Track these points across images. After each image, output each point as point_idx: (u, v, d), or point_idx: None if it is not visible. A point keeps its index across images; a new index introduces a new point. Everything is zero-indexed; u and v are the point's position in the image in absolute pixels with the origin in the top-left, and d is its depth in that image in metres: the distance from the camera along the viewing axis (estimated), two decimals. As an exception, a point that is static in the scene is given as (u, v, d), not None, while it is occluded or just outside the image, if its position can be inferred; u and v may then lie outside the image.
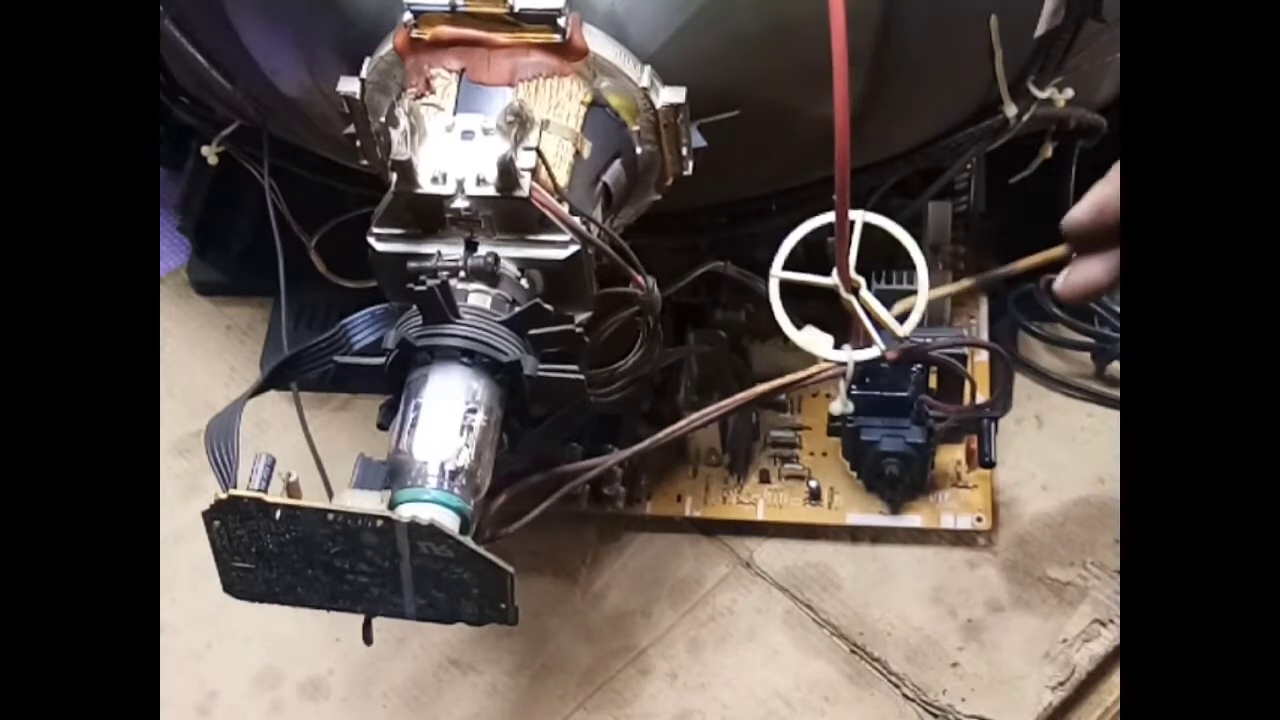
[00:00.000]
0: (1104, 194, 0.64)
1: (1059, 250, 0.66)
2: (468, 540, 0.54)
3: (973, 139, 0.70)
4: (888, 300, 0.65)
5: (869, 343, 0.65)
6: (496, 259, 0.57)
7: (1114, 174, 0.63)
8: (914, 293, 0.65)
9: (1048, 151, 0.74)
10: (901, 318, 0.64)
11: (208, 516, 0.54)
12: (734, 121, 0.62)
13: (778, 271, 0.65)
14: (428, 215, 0.58)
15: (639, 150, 0.61)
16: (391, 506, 0.54)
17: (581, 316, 0.59)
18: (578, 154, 0.59)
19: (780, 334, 0.65)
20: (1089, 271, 0.64)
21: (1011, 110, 0.69)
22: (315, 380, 0.63)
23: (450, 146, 0.58)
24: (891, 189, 0.72)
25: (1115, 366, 0.78)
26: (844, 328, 0.65)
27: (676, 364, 0.74)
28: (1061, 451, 0.76)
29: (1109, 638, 0.70)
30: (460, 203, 0.57)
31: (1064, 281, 0.65)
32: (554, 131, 0.58)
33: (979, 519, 0.73)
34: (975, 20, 0.65)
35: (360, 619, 0.58)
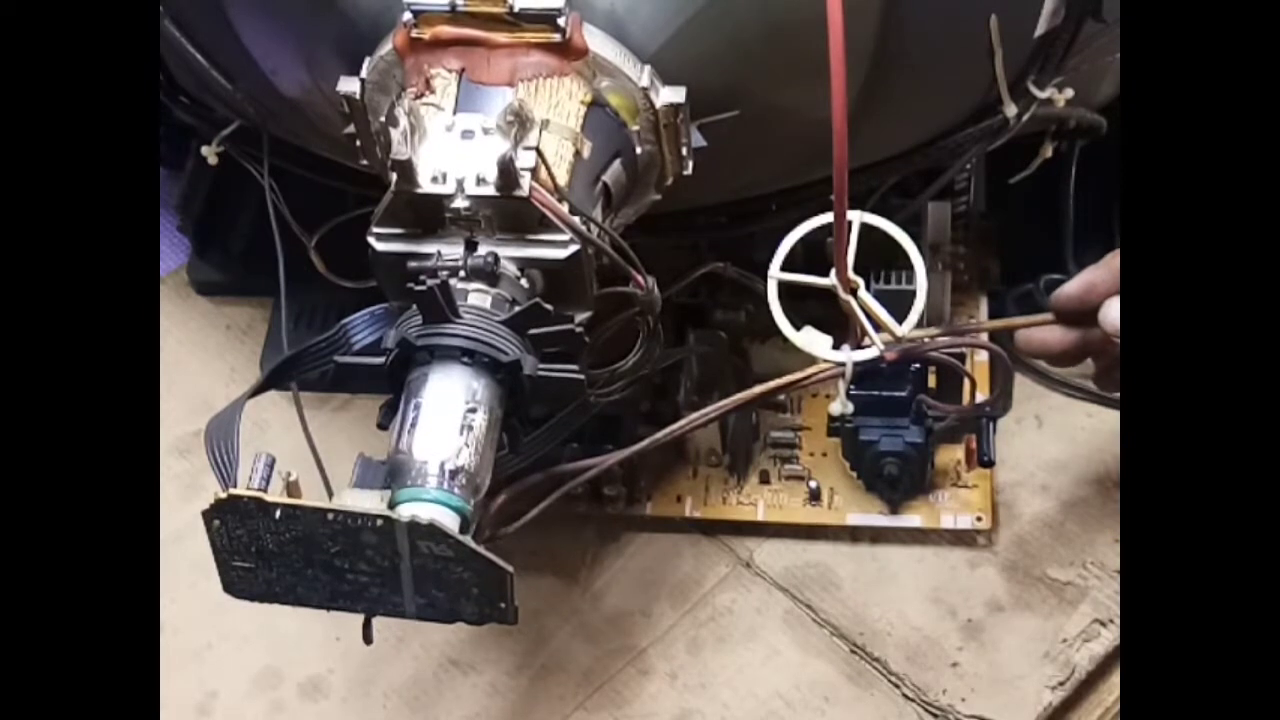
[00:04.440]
0: (1093, 278, 0.67)
1: (1043, 318, 0.70)
2: (467, 540, 0.54)
3: (973, 139, 0.70)
4: (886, 300, 0.65)
5: (868, 343, 0.65)
6: (496, 259, 0.57)
7: (1106, 261, 0.67)
8: (913, 293, 0.65)
9: (1048, 151, 0.74)
10: (900, 318, 0.64)
11: (207, 516, 0.54)
12: (734, 121, 0.62)
13: (776, 272, 0.65)
14: (428, 215, 0.58)
15: (639, 150, 0.61)
16: (391, 506, 0.54)
17: (581, 316, 0.59)
18: (578, 154, 0.59)
19: (780, 334, 0.65)
20: (1048, 336, 0.70)
21: (1011, 110, 0.69)
22: (315, 380, 0.63)
23: (450, 146, 0.58)
24: (891, 189, 0.72)
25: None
26: (843, 328, 0.65)
27: (676, 364, 0.74)
28: (1061, 451, 0.76)
29: (1109, 638, 0.70)
30: (460, 202, 0.57)
31: (1023, 336, 0.71)
32: (554, 131, 0.58)
33: (979, 519, 0.73)
34: (975, 20, 0.65)
35: (360, 618, 0.58)
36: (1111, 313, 0.66)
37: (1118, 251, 0.67)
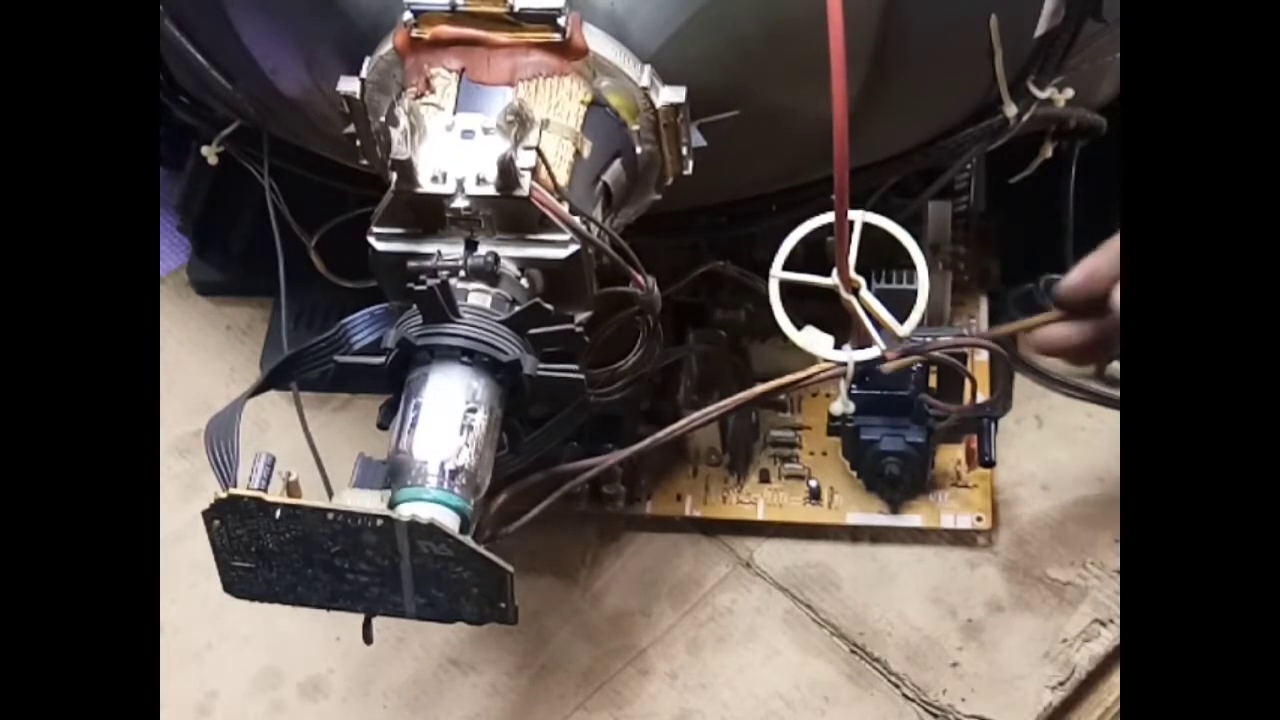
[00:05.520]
0: (1095, 264, 0.67)
1: (1051, 315, 0.70)
2: (467, 539, 0.54)
3: (973, 139, 0.70)
4: (887, 300, 0.65)
5: (869, 343, 0.65)
6: (496, 258, 0.57)
7: (1106, 246, 0.66)
8: (914, 292, 0.65)
9: (1048, 151, 0.74)
10: (901, 317, 0.64)
11: (208, 516, 0.54)
12: (734, 121, 0.62)
13: (778, 272, 0.65)
14: (428, 215, 0.58)
15: (639, 150, 0.61)
16: (391, 506, 0.54)
17: (581, 316, 0.59)
18: (578, 153, 0.59)
19: (780, 334, 0.65)
20: (1064, 332, 0.69)
21: (1011, 110, 0.69)
22: (315, 380, 0.63)
23: (450, 146, 0.58)
24: (891, 189, 0.72)
25: (1115, 366, 0.78)
26: (844, 327, 0.65)
27: (676, 364, 0.74)
28: (1061, 451, 0.76)
29: (1109, 638, 0.70)
30: (460, 202, 0.57)
31: (1039, 336, 0.70)
32: (554, 131, 0.58)
33: (979, 519, 0.73)
34: (975, 20, 0.65)
35: (360, 618, 0.58)
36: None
37: (1117, 236, 0.67)
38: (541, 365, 0.57)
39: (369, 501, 0.54)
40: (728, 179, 0.68)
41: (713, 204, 0.72)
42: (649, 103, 0.60)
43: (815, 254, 0.66)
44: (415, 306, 0.56)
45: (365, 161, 0.62)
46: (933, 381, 0.71)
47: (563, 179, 0.58)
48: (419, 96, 0.59)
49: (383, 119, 0.59)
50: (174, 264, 0.88)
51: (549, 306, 0.57)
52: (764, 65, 0.62)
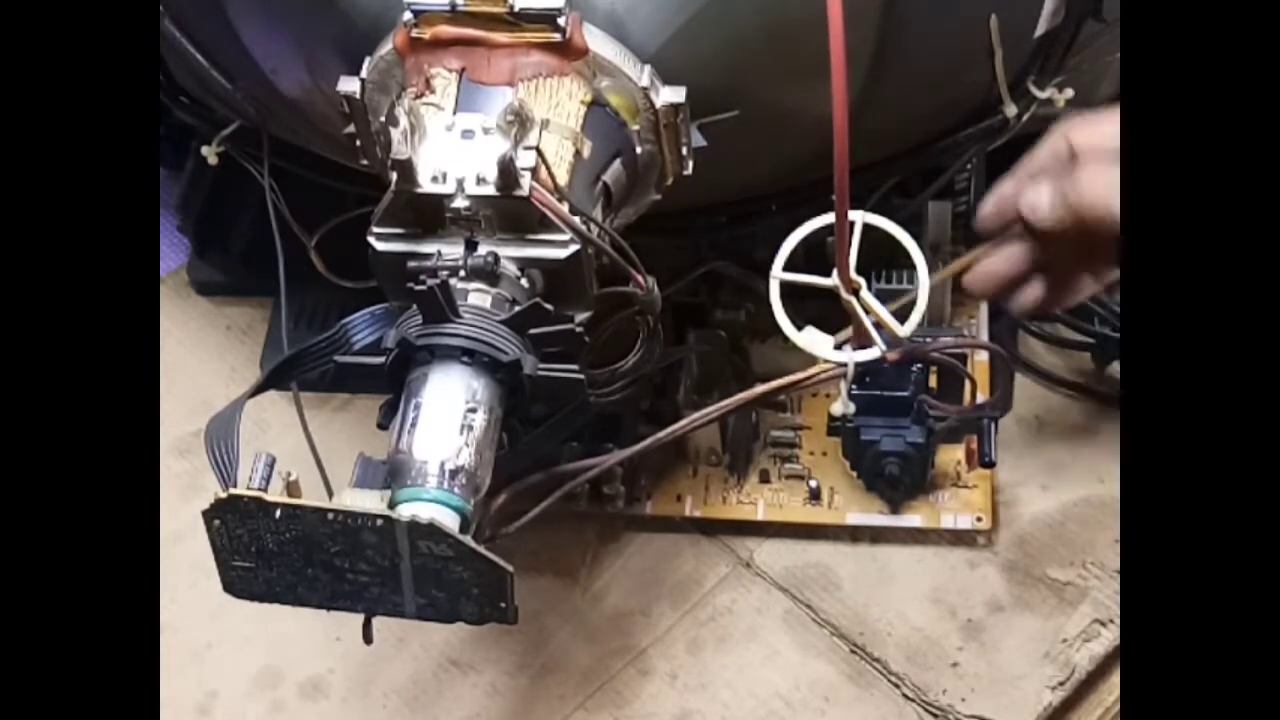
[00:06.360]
0: (1003, 189, 0.67)
1: (978, 250, 0.69)
2: (467, 539, 0.54)
3: (973, 139, 0.70)
4: (888, 300, 0.65)
5: (869, 343, 0.65)
6: (496, 258, 0.57)
7: (1014, 170, 0.66)
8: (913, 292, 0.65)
9: (1048, 152, 0.73)
10: (901, 318, 0.64)
11: (208, 516, 0.54)
12: (734, 121, 0.62)
13: (778, 272, 0.65)
14: (428, 215, 0.58)
15: (639, 150, 0.61)
16: (391, 506, 0.54)
17: (581, 316, 0.59)
18: (578, 153, 0.59)
19: (780, 334, 0.65)
20: (991, 265, 0.68)
21: (1011, 110, 0.69)
22: (315, 380, 0.63)
23: (450, 146, 0.58)
24: (891, 189, 0.72)
25: (1115, 366, 0.78)
26: (843, 327, 0.65)
27: (676, 364, 0.74)
28: (1061, 451, 0.76)
29: (1109, 638, 0.70)
30: (460, 202, 0.57)
31: (971, 276, 0.69)
32: (554, 131, 0.58)
33: (979, 519, 0.73)
34: (975, 20, 0.65)
35: (360, 618, 0.58)
36: (1028, 198, 0.65)
37: (1023, 159, 0.67)
38: (541, 365, 0.57)
39: (369, 501, 0.54)
40: (728, 179, 0.68)
41: (713, 204, 0.72)
42: (649, 103, 0.60)
43: (815, 254, 0.66)
44: (415, 306, 0.56)
45: (365, 161, 0.62)
46: (933, 382, 0.71)
47: (563, 179, 0.58)
48: (419, 96, 0.59)
49: (383, 119, 0.59)
50: (174, 264, 0.88)
51: (549, 306, 0.57)
52: (764, 65, 0.62)
